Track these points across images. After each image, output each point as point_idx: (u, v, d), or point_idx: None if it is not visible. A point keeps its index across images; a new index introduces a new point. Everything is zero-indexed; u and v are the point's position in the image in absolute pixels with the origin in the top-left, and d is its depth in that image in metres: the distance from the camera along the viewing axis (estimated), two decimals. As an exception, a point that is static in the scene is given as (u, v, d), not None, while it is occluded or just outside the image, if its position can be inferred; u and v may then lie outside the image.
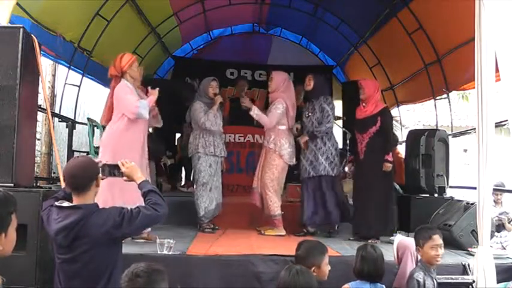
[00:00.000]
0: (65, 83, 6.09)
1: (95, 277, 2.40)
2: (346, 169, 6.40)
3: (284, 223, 4.97)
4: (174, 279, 2.28)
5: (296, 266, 2.62)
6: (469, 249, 4.12)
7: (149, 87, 4.31)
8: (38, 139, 6.75)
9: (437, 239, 3.18)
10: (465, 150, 11.65)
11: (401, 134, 7.99)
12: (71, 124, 6.05)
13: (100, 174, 2.56)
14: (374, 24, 6.90)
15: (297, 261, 2.95)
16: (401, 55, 6.84)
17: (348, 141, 6.68)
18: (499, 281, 3.30)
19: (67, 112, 6.24)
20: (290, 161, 5.03)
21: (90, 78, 6.50)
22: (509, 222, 5.21)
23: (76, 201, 2.45)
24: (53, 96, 7.11)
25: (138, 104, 4.01)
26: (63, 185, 2.70)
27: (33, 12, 4.47)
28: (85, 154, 5.77)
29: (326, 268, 2.89)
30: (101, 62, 6.28)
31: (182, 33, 8.21)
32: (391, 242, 4.13)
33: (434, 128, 6.54)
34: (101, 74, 6.23)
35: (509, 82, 2.92)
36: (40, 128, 6.94)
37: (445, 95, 6.39)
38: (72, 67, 5.93)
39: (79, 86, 6.22)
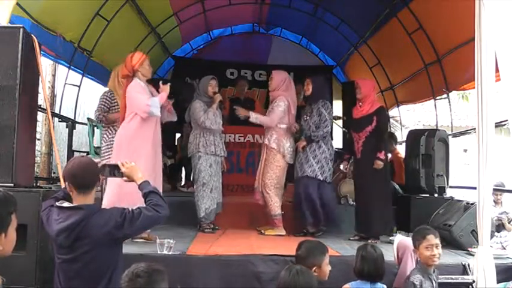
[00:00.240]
0: (65, 83, 6.10)
1: (96, 277, 2.40)
2: (342, 167, 6.38)
3: (284, 223, 4.97)
4: (174, 279, 2.28)
5: (296, 266, 2.63)
6: (469, 249, 4.12)
7: (160, 82, 4.30)
8: (38, 139, 6.74)
9: (432, 239, 3.16)
10: (465, 150, 11.65)
11: (401, 134, 8.00)
12: (71, 124, 6.05)
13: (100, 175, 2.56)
14: (374, 24, 6.90)
15: (297, 261, 2.95)
16: (401, 55, 6.83)
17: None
18: (499, 281, 3.30)
19: (67, 112, 6.25)
20: (291, 161, 5.03)
21: (90, 78, 6.50)
22: (509, 222, 5.21)
23: (77, 201, 2.45)
24: (53, 96, 7.10)
25: (149, 103, 4.02)
26: (63, 185, 2.69)
27: (33, 12, 4.48)
28: (85, 154, 5.76)
29: (327, 268, 2.90)
30: (101, 62, 6.29)
31: (182, 33, 8.21)
32: (391, 242, 4.14)
33: (434, 128, 6.54)
34: (101, 74, 6.24)
35: (509, 82, 2.92)
36: (40, 128, 6.94)
37: (445, 95, 6.39)
38: (72, 67, 5.93)
39: (79, 86, 6.23)
